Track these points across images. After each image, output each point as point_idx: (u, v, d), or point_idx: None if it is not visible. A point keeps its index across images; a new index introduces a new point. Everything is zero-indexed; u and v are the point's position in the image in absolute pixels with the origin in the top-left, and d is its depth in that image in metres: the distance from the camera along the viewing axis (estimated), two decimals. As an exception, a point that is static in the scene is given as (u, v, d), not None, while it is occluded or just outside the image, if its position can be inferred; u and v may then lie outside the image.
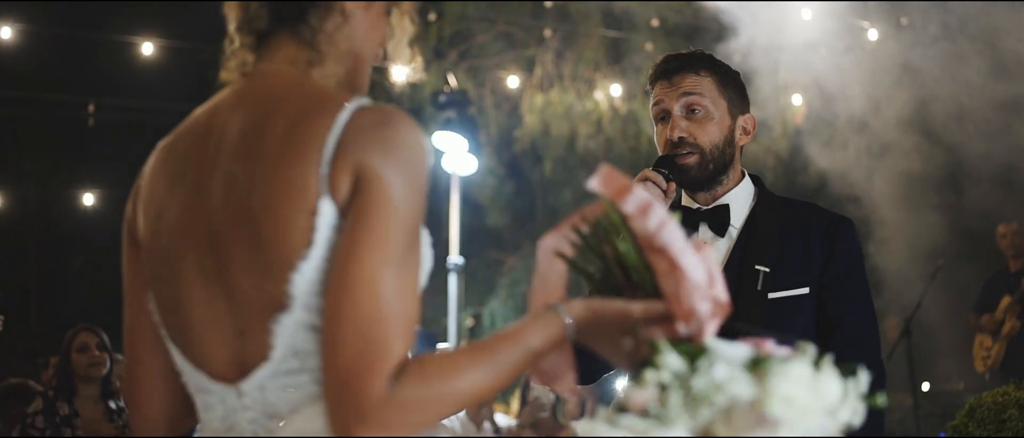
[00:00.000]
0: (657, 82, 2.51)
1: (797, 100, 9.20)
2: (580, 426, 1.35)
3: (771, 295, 2.31)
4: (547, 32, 11.23)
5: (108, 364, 5.64)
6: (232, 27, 1.48)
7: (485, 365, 1.32)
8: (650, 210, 1.43)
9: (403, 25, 1.56)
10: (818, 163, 8.59)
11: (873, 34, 8.29)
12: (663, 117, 2.48)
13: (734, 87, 2.51)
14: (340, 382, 1.25)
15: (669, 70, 2.48)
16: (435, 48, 10.91)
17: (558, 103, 11.01)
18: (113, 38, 8.76)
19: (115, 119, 9.51)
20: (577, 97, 10.98)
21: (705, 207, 2.47)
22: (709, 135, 2.43)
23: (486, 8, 11.10)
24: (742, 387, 1.25)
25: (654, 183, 2.33)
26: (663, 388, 1.28)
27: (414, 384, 1.26)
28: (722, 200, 2.47)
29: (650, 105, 2.54)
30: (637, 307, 1.43)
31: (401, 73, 1.58)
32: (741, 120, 2.51)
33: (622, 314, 1.43)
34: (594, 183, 1.48)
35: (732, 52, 7.60)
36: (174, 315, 1.43)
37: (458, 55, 11.46)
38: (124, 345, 1.57)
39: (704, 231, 2.45)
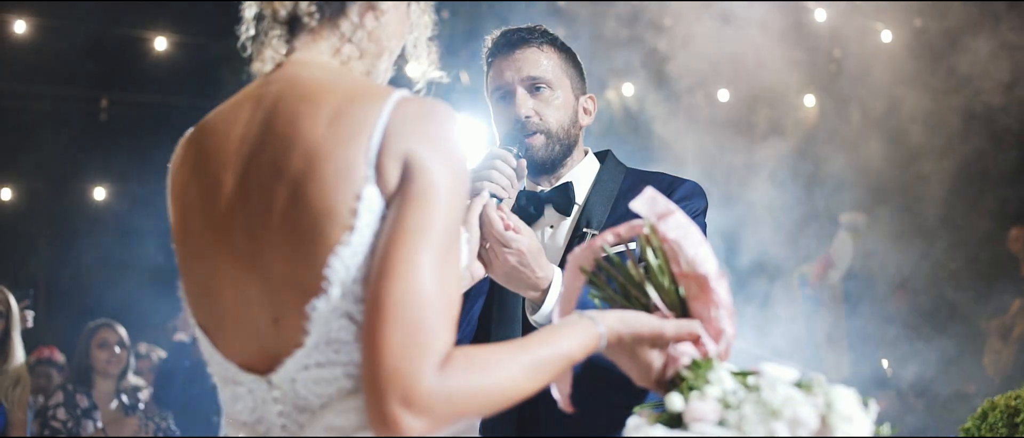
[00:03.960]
0: (497, 57, 2.38)
1: (810, 101, 9.16)
2: (631, 423, 1.36)
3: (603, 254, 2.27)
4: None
5: (126, 361, 5.69)
6: (260, 18, 1.49)
7: (525, 362, 1.31)
8: (689, 235, 1.46)
9: (423, 22, 1.57)
10: (832, 164, 8.55)
11: (887, 36, 8.26)
12: (505, 95, 2.36)
13: (574, 65, 2.42)
14: (387, 368, 1.22)
15: (511, 43, 2.37)
16: (448, 45, 10.92)
17: (570, 102, 11.00)
18: (127, 33, 8.78)
19: (128, 114, 9.54)
20: (589, 96, 10.97)
21: (547, 189, 2.36)
22: (555, 114, 2.33)
23: (499, 6, 11.10)
24: (805, 405, 1.28)
25: (504, 161, 2.20)
26: (726, 403, 1.31)
27: (462, 373, 1.24)
28: (564, 178, 2.37)
29: (487, 82, 2.40)
30: (670, 325, 1.45)
31: (417, 69, 1.59)
32: (582, 100, 2.42)
33: (656, 331, 1.45)
34: (638, 204, 1.50)
35: (743, 53, 7.57)
36: (205, 304, 1.43)
37: (470, 53, 11.46)
38: None
39: (549, 213, 2.36)
